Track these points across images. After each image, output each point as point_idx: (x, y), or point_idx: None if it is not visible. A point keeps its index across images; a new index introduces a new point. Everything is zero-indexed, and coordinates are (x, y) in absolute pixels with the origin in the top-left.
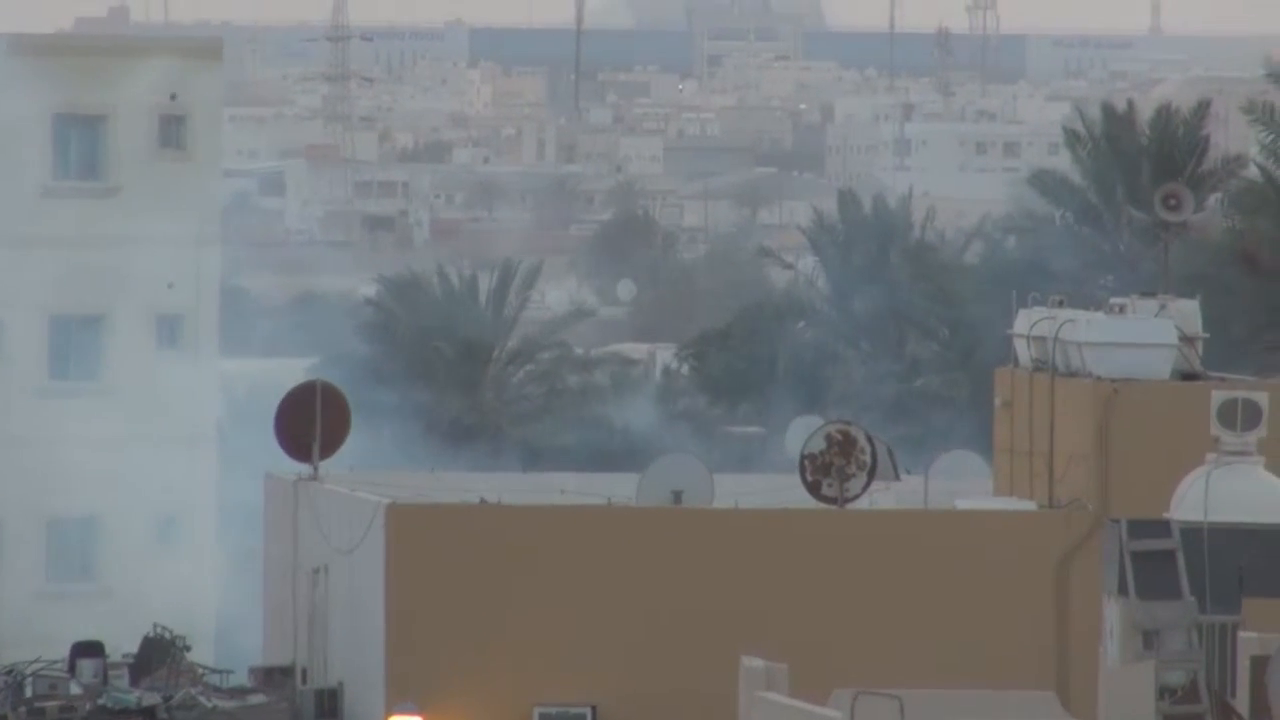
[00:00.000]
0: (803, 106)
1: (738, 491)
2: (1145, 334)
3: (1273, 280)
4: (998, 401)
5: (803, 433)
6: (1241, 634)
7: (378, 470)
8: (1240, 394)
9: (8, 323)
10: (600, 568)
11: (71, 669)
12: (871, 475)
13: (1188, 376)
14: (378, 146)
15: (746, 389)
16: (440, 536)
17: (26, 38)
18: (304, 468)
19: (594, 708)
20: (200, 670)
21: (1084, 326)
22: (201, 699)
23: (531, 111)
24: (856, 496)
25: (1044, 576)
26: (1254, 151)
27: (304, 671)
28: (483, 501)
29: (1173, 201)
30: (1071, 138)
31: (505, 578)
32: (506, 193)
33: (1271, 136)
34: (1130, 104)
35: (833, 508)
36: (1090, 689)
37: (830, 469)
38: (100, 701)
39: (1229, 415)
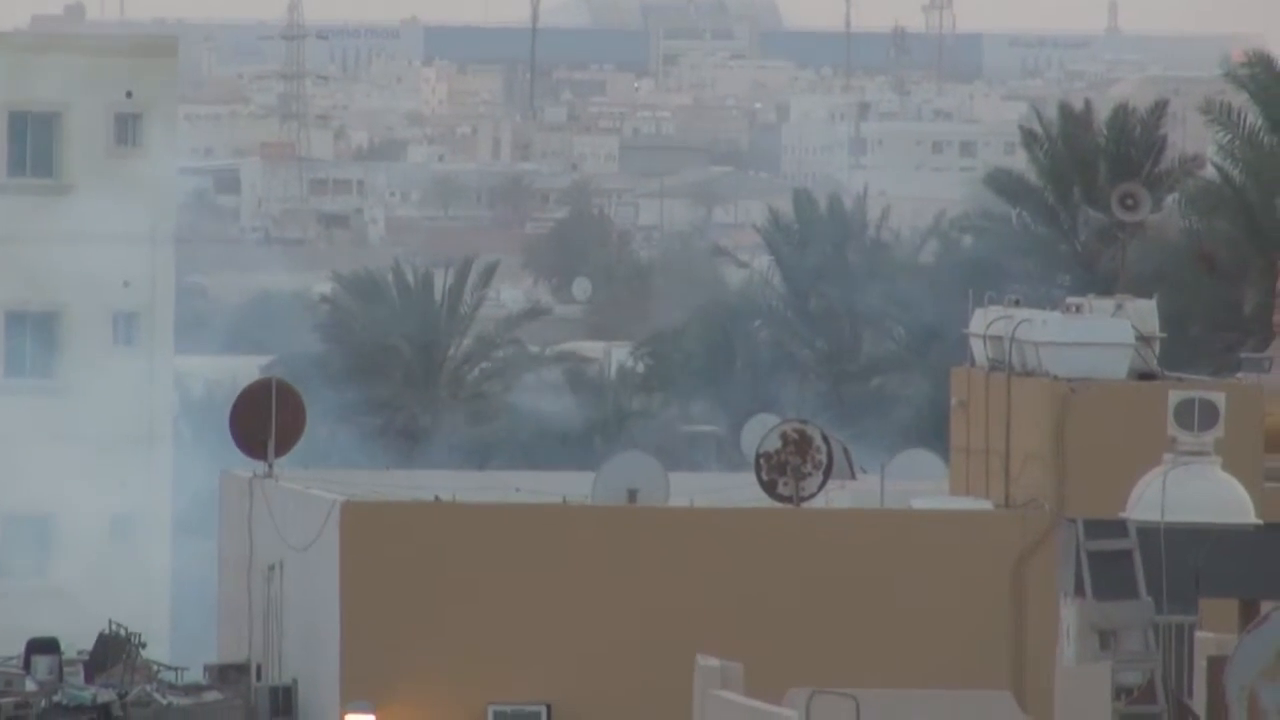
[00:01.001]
0: (758, 105)
1: (693, 490)
2: (1102, 333)
3: (1229, 280)
4: (954, 401)
5: (758, 431)
6: (1198, 634)
7: (333, 468)
8: (1197, 394)
9: None
10: (555, 566)
11: (27, 666)
12: (827, 474)
13: (1145, 376)
14: (333, 144)
15: (702, 388)
16: (395, 534)
17: None
18: (259, 465)
19: (549, 706)
20: (155, 667)
21: (1040, 326)
22: (157, 696)
23: (487, 110)
24: (812, 495)
25: (1000, 576)
26: (1211, 151)
27: (259, 669)
28: (437, 499)
29: (1130, 201)
30: (1028, 137)
31: (460, 576)
32: (462, 191)
33: (1229, 137)
34: (1087, 103)
35: (788, 506)
36: (1047, 689)
37: (786, 468)
38: (55, 698)
39: (1186, 415)
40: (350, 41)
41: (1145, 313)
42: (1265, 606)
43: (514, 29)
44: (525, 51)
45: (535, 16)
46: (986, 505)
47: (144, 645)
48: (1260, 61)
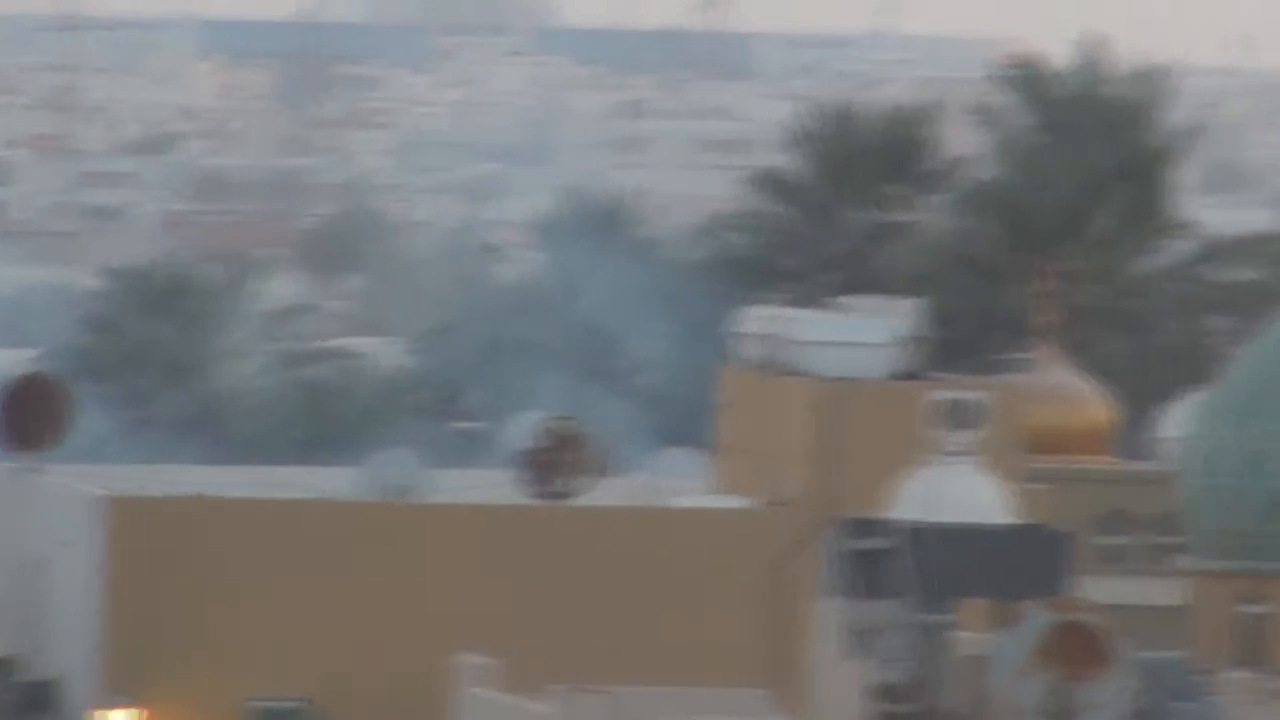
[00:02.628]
0: (532, 102)
1: (458, 486)
2: (866, 333)
3: (995, 280)
4: (721, 401)
5: (524, 428)
6: (954, 633)
7: (100, 463)
8: (960, 394)
9: None
10: (317, 562)
11: None
12: (591, 472)
13: (909, 376)
14: (105, 137)
15: (471, 384)
16: (160, 530)
17: None
18: (25, 459)
19: (309, 700)
20: None
21: (806, 325)
22: None
23: (260, 104)
24: (576, 493)
25: (761, 574)
26: (978, 152)
27: (21, 663)
28: (201, 495)
29: (897, 201)
30: (799, 137)
31: (223, 571)
32: (233, 186)
33: (997, 138)
34: (857, 104)
35: (552, 504)
36: (805, 686)
37: (550, 465)
38: None
39: (947, 415)
40: (124, 34)
41: (911, 312)
42: (1022, 606)
43: (290, 23)
44: (300, 45)
45: (311, 10)
46: (748, 504)
47: None
48: (1027, 64)
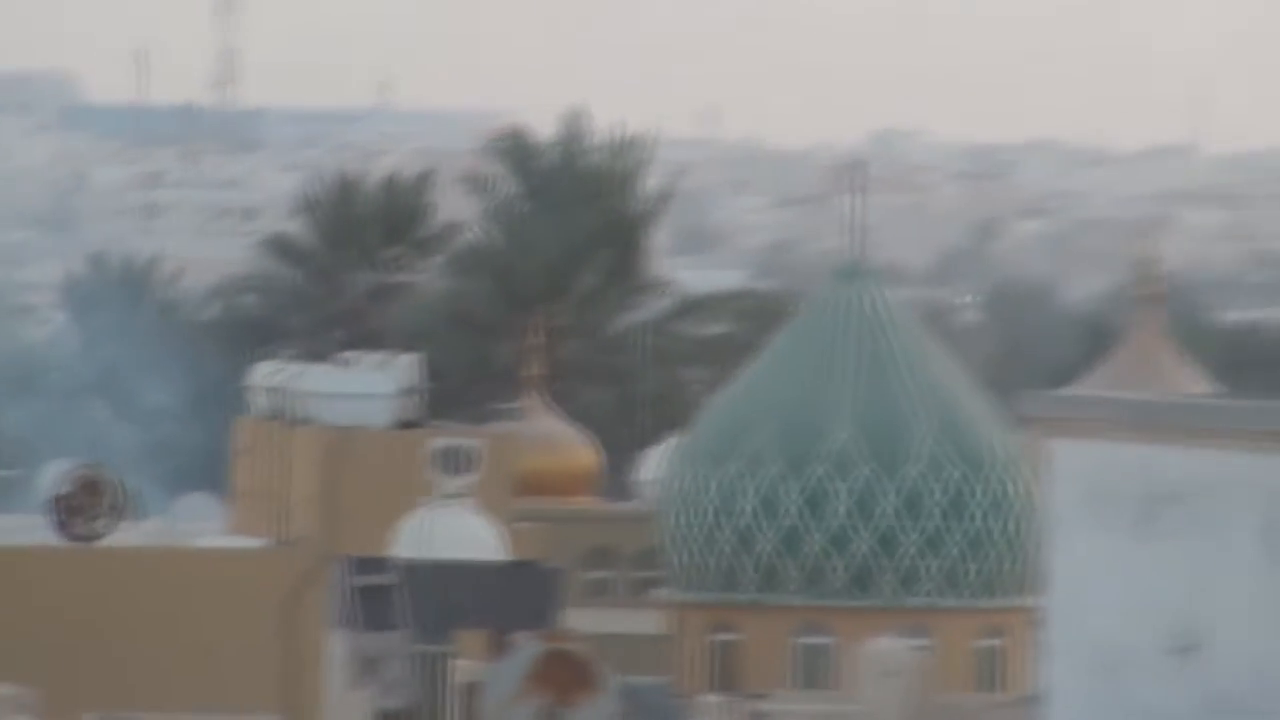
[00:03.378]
0: (60, 174)
1: None
2: (368, 385)
3: (487, 336)
4: (237, 448)
5: (54, 475)
6: (453, 662)
7: None
8: (455, 441)
9: None
10: None
11: None
12: (118, 515)
13: (409, 424)
14: None
15: (3, 434)
16: None
17: None
18: None
19: None
20: None
21: (313, 378)
22: None
23: None
24: (104, 535)
25: (273, 608)
26: (470, 218)
27: None
28: None
29: (397, 263)
30: (305, 204)
31: None
32: None
33: (488, 204)
34: (359, 174)
35: (81, 545)
36: (315, 713)
37: (79, 509)
38: None
39: (444, 461)
40: None
41: (410, 366)
42: (514, 637)
43: None
44: None
45: None
46: (261, 543)
47: None
48: (514, 136)
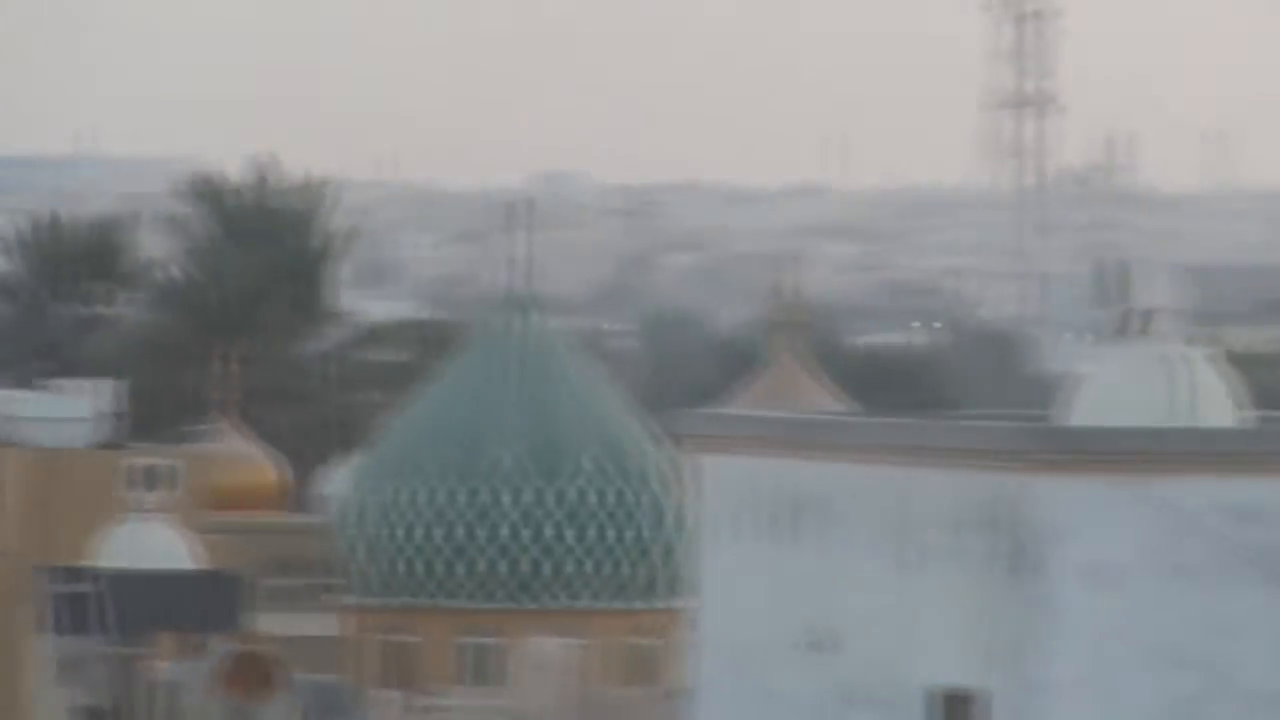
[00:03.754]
0: None
1: None
2: (72, 409)
3: (182, 364)
4: None
5: None
6: (148, 663)
7: None
8: (152, 460)
9: None
10: None
11: None
12: None
13: (109, 445)
14: None
15: None
16: None
17: None
18: None
19: None
20: None
21: (21, 403)
22: None
23: None
24: None
25: None
26: (169, 256)
27: None
28: None
29: (99, 298)
30: (15, 244)
31: None
32: None
33: (183, 243)
34: (66, 216)
35: None
36: (24, 711)
37: None
38: None
39: (142, 478)
40: None
41: (110, 392)
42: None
43: None
44: None
45: None
46: None
47: None
48: (207, 180)
